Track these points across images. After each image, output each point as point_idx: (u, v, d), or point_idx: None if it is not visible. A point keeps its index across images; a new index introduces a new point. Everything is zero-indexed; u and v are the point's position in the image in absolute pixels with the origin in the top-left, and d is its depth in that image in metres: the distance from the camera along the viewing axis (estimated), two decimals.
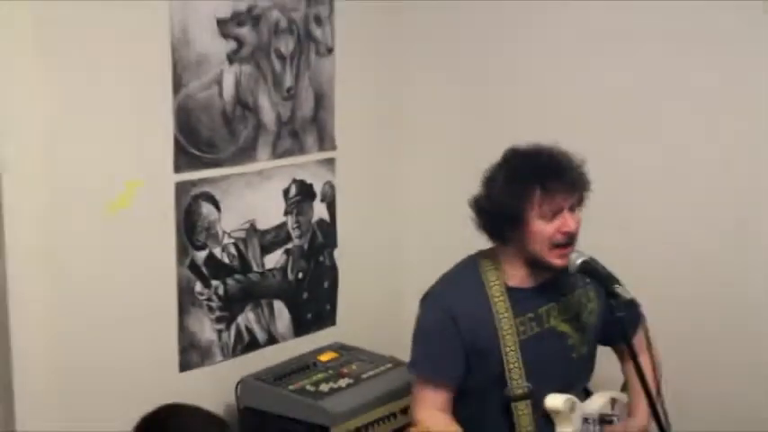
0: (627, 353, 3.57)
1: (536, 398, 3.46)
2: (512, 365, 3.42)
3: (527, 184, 3.38)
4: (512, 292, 3.46)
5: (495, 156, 3.53)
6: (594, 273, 3.29)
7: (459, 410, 3.47)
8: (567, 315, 3.57)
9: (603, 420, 3.60)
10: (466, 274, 3.57)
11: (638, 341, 3.52)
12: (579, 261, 3.27)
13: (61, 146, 3.56)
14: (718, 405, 4.30)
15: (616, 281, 3.20)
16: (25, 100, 3.46)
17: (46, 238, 3.53)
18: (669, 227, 4.40)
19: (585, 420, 3.52)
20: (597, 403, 3.60)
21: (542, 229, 3.36)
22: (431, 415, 3.40)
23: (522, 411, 3.44)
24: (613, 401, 3.67)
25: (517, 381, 3.43)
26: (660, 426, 3.18)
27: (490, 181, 3.48)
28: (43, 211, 3.51)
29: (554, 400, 3.44)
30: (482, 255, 3.54)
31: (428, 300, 3.58)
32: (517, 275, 3.48)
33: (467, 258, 3.58)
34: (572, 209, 3.40)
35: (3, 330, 3.49)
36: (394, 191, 4.83)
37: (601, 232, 3.95)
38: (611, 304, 3.22)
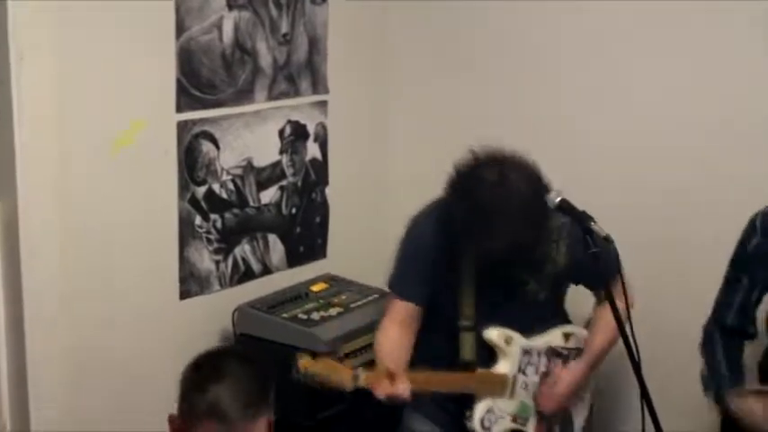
0: (600, 296, 3.71)
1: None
2: (465, 301, 3.53)
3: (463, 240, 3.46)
4: None
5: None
6: (571, 211, 3.27)
7: (423, 330, 3.59)
8: (528, 266, 3.67)
9: (555, 353, 3.68)
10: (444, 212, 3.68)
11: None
12: (558, 200, 3.27)
13: (69, 86, 3.56)
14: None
15: (591, 218, 3.19)
16: (35, 41, 3.44)
17: (56, 175, 3.55)
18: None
19: (527, 353, 3.60)
20: (544, 338, 3.67)
21: None
22: (387, 333, 3.53)
23: (467, 342, 3.54)
24: (567, 336, 3.74)
25: (467, 315, 3.53)
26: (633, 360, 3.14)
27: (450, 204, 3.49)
28: (54, 150, 3.53)
29: (489, 333, 3.53)
30: None
31: (412, 226, 3.67)
32: None
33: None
34: (510, 246, 3.41)
35: (14, 262, 3.53)
36: (382, 132, 4.82)
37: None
38: (587, 241, 3.18)
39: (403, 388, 3.35)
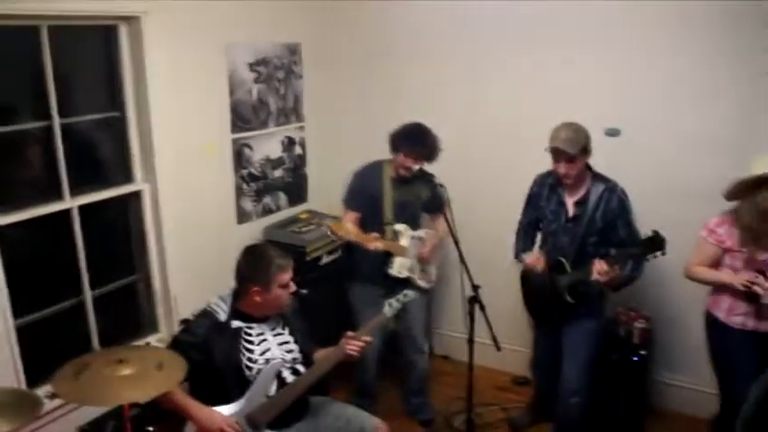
0: (435, 218, 3.92)
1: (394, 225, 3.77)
2: (387, 209, 3.76)
3: (398, 143, 3.67)
4: (393, 179, 3.77)
5: (384, 123, 3.77)
6: (426, 174, 3.55)
7: (361, 226, 3.71)
8: (414, 192, 3.81)
9: (421, 239, 3.88)
10: (375, 165, 3.83)
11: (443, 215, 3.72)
12: (416, 168, 3.58)
13: (181, 119, 3.73)
14: None
15: (434, 177, 3.48)
16: (164, 94, 3.59)
17: (173, 167, 3.75)
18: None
19: (412, 237, 3.83)
20: (417, 232, 3.86)
21: (397, 158, 3.70)
22: (346, 223, 3.65)
23: (389, 230, 3.77)
24: (426, 233, 3.90)
25: (388, 216, 3.77)
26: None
27: (393, 132, 3.70)
28: (172, 153, 3.73)
29: (397, 225, 3.76)
30: (387, 160, 3.79)
31: (356, 171, 3.85)
32: (396, 172, 3.74)
33: (379, 159, 3.82)
34: (417, 158, 3.63)
35: (157, 215, 3.73)
36: (332, 139, 4.84)
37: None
38: (436, 190, 3.44)
39: (375, 244, 3.58)
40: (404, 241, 3.80)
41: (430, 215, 4.02)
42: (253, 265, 2.87)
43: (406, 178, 3.77)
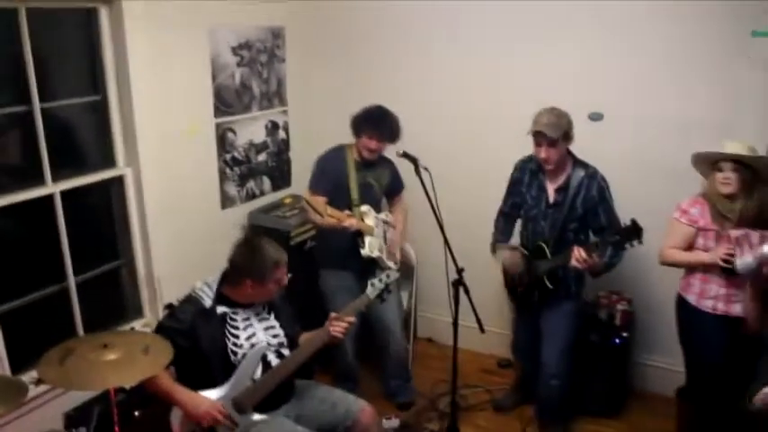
0: (394, 201, 4.03)
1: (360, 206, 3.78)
2: (353, 192, 3.77)
3: (359, 126, 3.69)
4: (356, 162, 3.78)
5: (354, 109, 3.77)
6: (409, 156, 3.35)
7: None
8: (374, 176, 3.84)
9: (385, 222, 3.93)
10: (337, 149, 3.83)
11: (402, 198, 4.03)
12: (402, 150, 3.38)
13: (165, 103, 3.71)
14: None
15: (418, 160, 3.32)
16: (147, 78, 3.57)
17: (157, 150, 3.74)
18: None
19: (376, 218, 3.84)
20: (380, 215, 3.88)
21: (360, 141, 3.71)
22: (318, 202, 3.56)
23: (356, 211, 3.74)
24: (387, 215, 3.94)
25: (355, 197, 3.77)
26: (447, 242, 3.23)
27: (355, 116, 3.70)
28: (156, 137, 3.72)
29: (363, 207, 3.77)
30: (348, 144, 3.80)
31: (320, 157, 3.86)
32: (359, 155, 3.76)
33: (341, 144, 3.83)
34: (380, 140, 3.65)
35: (140, 198, 3.73)
36: (317, 123, 4.78)
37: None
38: (417, 171, 3.24)
39: (351, 221, 3.59)
40: (370, 222, 3.81)
41: (389, 199, 4.04)
42: (249, 259, 2.85)
43: (369, 162, 3.80)
